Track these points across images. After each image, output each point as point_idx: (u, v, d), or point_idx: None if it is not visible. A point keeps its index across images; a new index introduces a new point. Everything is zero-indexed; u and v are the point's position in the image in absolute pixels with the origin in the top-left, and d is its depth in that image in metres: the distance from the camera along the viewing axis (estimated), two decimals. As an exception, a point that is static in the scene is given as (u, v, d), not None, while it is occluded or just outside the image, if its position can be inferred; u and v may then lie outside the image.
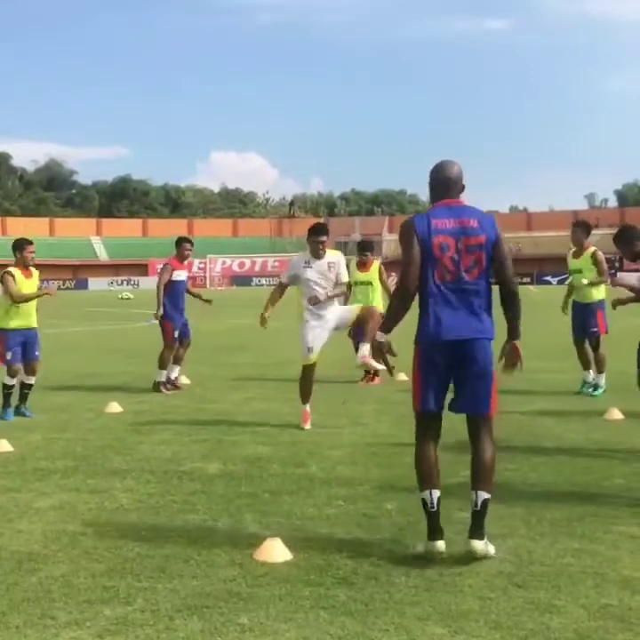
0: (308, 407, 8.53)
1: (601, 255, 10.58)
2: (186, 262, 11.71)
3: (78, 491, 6.08)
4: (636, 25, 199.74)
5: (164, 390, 11.06)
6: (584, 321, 10.54)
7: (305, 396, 8.55)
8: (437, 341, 4.58)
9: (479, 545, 4.47)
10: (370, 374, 11.75)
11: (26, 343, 9.35)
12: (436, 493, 4.58)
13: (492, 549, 4.53)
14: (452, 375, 4.67)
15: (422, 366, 4.67)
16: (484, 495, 4.54)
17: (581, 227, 10.80)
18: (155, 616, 3.81)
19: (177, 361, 11.49)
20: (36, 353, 9.47)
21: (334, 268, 8.39)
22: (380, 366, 8.88)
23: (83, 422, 8.91)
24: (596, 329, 10.49)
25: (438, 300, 4.58)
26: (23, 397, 9.49)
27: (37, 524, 5.27)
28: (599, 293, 10.58)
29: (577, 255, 10.66)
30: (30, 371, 9.48)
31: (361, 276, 11.79)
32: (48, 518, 5.39)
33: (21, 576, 4.34)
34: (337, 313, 8.49)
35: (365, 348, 8.43)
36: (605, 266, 10.56)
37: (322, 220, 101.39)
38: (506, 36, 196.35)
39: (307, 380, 8.54)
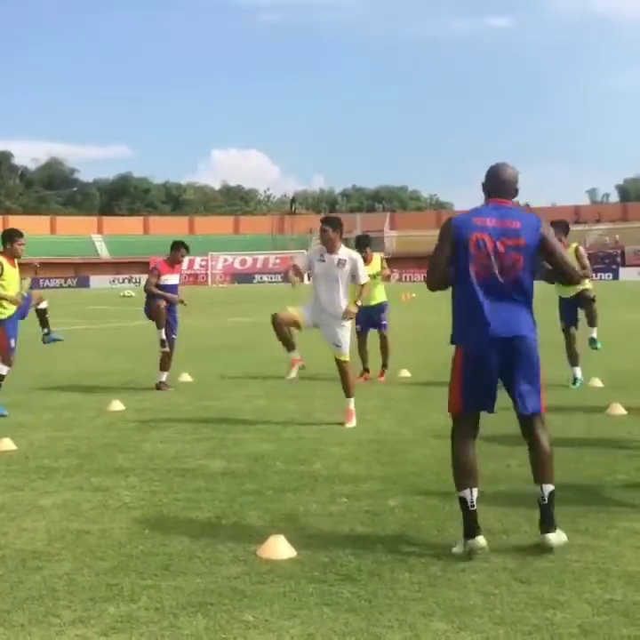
0: (294, 354, 8.41)
1: (582, 250, 10.85)
2: (176, 266, 11.56)
3: (82, 489, 6.09)
4: (637, 22, 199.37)
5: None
6: (575, 308, 10.86)
7: (283, 343, 8.43)
8: (481, 339, 4.58)
9: (554, 538, 4.56)
10: (367, 372, 11.80)
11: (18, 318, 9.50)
12: (476, 492, 4.59)
13: (564, 537, 4.61)
14: (498, 375, 4.66)
15: (462, 366, 4.66)
16: (549, 487, 4.62)
17: (560, 226, 10.91)
18: (159, 614, 3.81)
19: (164, 367, 11.37)
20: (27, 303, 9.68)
21: (343, 265, 8.33)
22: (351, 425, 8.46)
23: (86, 421, 8.92)
24: (593, 295, 10.81)
25: (476, 297, 4.58)
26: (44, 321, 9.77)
27: (41, 522, 5.28)
28: (585, 287, 10.79)
29: None
30: (6, 361, 9.46)
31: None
32: (52, 516, 5.40)
33: (25, 574, 4.35)
34: (336, 325, 8.38)
35: (349, 404, 8.47)
36: (587, 260, 10.78)
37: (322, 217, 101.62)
38: (508, 33, 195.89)
39: (275, 328, 8.31)
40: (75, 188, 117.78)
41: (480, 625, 3.64)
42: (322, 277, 8.37)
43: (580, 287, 10.63)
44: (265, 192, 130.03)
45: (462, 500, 4.60)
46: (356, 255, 8.70)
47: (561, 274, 4.83)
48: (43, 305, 9.98)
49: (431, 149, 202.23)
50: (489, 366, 4.61)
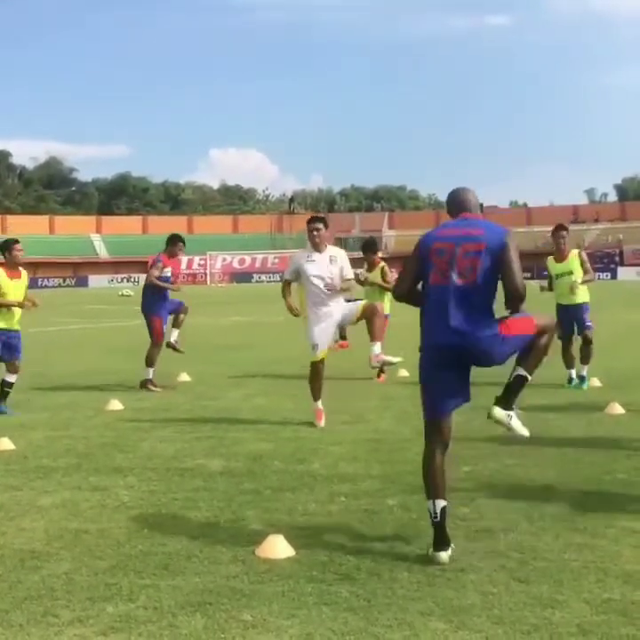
0: (319, 404, 8.44)
1: (585, 255, 10.88)
2: (173, 260, 11.59)
3: (80, 488, 6.08)
4: (637, 21, 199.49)
5: (151, 388, 11.05)
6: (577, 318, 10.68)
7: (315, 393, 8.47)
8: (437, 345, 4.63)
9: (499, 412, 4.61)
10: (383, 373, 11.80)
11: (9, 344, 9.41)
12: (440, 503, 4.51)
13: (515, 422, 4.69)
14: (462, 374, 4.66)
15: (425, 372, 4.71)
16: (519, 371, 4.63)
17: (567, 230, 10.98)
18: (158, 613, 3.81)
19: (176, 324, 11.63)
20: (17, 353, 9.50)
21: (335, 261, 8.38)
22: (396, 359, 8.91)
23: (84, 420, 8.92)
24: (590, 323, 10.67)
25: (434, 303, 4.65)
26: (4, 395, 9.54)
27: (40, 521, 5.27)
28: (587, 293, 10.79)
29: (561, 259, 10.77)
30: (13, 369, 9.51)
31: (371, 276, 11.79)
32: (50, 516, 5.39)
33: (24, 574, 4.35)
34: (341, 309, 8.46)
35: (376, 347, 8.45)
36: (589, 265, 10.86)
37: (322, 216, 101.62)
38: (507, 32, 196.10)
39: (315, 377, 8.45)
40: (73, 188, 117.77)
41: (479, 624, 3.64)
42: (316, 278, 8.32)
43: (579, 299, 10.63)
44: (263, 191, 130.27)
45: (428, 511, 4.57)
46: (342, 250, 8.77)
47: (507, 290, 4.66)
48: (11, 378, 9.55)
49: (430, 149, 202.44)
50: (444, 370, 4.62)
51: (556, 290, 10.84)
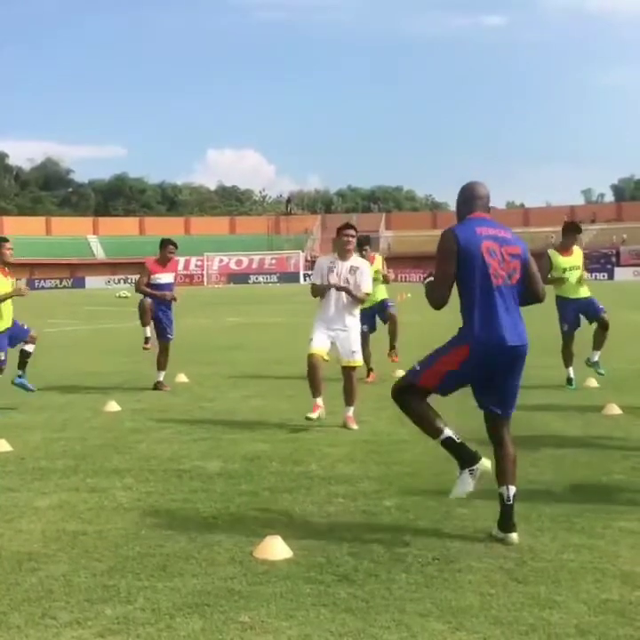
0: (318, 400, 8.30)
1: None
2: (168, 264, 11.55)
3: (78, 490, 6.08)
4: (632, 21, 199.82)
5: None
6: (589, 308, 10.71)
7: (312, 389, 8.34)
8: (495, 344, 4.64)
9: (516, 537, 4.69)
10: (372, 372, 11.80)
11: (12, 337, 9.63)
12: (450, 430, 4.72)
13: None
14: (491, 377, 4.76)
15: (462, 361, 4.67)
16: (514, 489, 4.75)
17: (579, 230, 11.04)
18: (155, 615, 3.81)
19: (160, 367, 11.38)
20: (25, 333, 9.84)
21: (355, 272, 8.33)
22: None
23: (81, 421, 8.91)
24: (602, 307, 10.70)
25: (491, 302, 4.66)
26: (23, 365, 9.91)
27: (37, 523, 5.27)
28: (587, 295, 10.82)
29: (568, 253, 10.75)
30: (31, 340, 9.91)
31: None
32: (48, 518, 5.39)
33: (22, 576, 4.34)
34: (343, 338, 8.35)
35: (351, 411, 8.42)
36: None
37: (318, 217, 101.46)
38: (503, 32, 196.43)
39: (309, 371, 8.30)
40: (70, 189, 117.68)
41: (477, 625, 3.65)
42: (336, 282, 8.31)
43: (587, 293, 10.68)
44: (260, 192, 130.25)
45: (448, 440, 4.72)
46: (366, 262, 8.74)
47: (528, 295, 4.89)
48: (29, 348, 9.96)
49: (426, 149, 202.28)
50: (486, 370, 4.72)
51: (564, 284, 10.76)
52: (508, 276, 4.70)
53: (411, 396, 4.82)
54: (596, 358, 10.66)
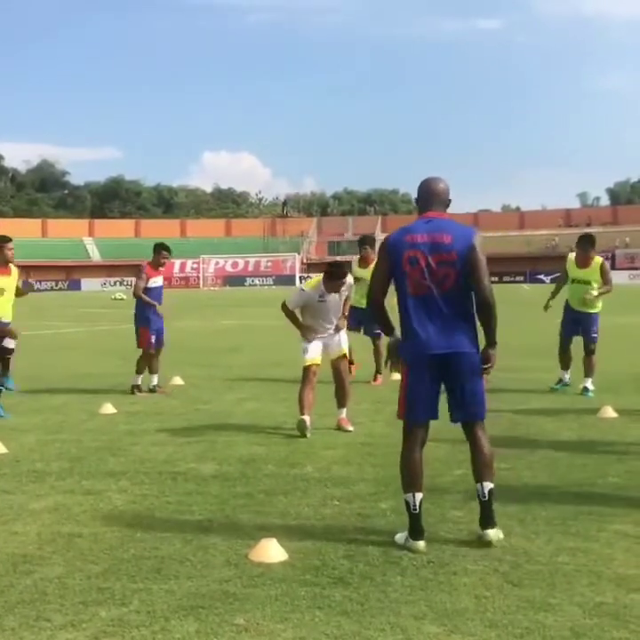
0: (306, 418, 8.00)
1: (607, 265, 10.69)
2: (161, 268, 11.53)
3: (73, 492, 6.07)
4: (627, 24, 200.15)
5: (137, 393, 11.02)
6: (584, 327, 10.58)
7: (301, 405, 8.11)
8: (420, 354, 4.70)
9: (493, 533, 4.69)
10: (380, 375, 11.80)
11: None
12: (419, 496, 4.75)
13: (501, 534, 4.74)
14: (442, 386, 4.80)
15: (408, 378, 4.80)
16: (488, 485, 4.74)
17: (592, 243, 10.59)
18: (150, 617, 3.80)
19: (152, 371, 11.32)
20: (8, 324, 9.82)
21: (345, 290, 8.47)
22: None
23: (77, 423, 8.89)
24: (596, 335, 10.58)
25: (412, 312, 4.69)
26: (6, 364, 9.87)
27: (32, 525, 5.26)
28: (600, 302, 10.63)
29: (584, 265, 10.51)
30: (11, 335, 9.70)
31: (361, 272, 11.76)
32: (43, 520, 5.38)
33: (16, 578, 4.33)
34: (332, 338, 8.51)
35: (343, 412, 8.46)
36: (611, 275, 10.67)
37: (314, 220, 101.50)
38: (498, 35, 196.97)
39: (302, 383, 8.25)
40: (66, 191, 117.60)
41: (472, 628, 3.65)
42: (319, 312, 8.39)
43: (590, 309, 10.53)
44: (256, 195, 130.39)
45: (406, 503, 4.78)
46: (350, 277, 8.68)
47: (475, 294, 4.71)
48: (11, 344, 9.74)
49: (422, 152, 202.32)
50: (426, 380, 4.73)
51: (570, 292, 10.70)
52: (438, 284, 4.63)
53: (406, 442, 4.95)
54: (587, 384, 10.43)
